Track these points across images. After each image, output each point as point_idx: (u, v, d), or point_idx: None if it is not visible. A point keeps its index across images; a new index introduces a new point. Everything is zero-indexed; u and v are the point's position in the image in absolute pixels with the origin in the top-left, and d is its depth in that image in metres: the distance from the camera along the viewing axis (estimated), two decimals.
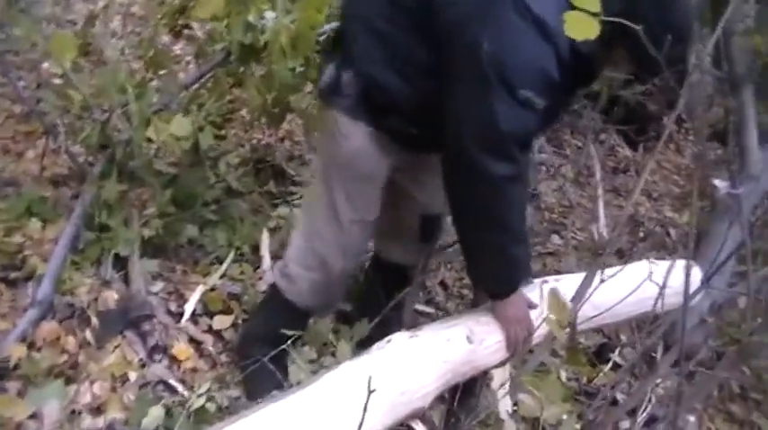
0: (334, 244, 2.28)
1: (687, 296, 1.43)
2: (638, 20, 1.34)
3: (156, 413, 2.28)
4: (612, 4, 1.75)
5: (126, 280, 2.73)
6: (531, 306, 2.08)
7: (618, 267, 2.06)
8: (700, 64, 1.16)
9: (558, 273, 3.74)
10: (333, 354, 2.27)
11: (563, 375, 3.12)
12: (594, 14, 1.14)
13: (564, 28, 1.73)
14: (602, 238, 1.75)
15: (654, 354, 2.48)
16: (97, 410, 2.25)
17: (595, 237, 1.79)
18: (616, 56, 1.84)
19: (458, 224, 2.03)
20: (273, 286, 2.46)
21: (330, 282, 2.35)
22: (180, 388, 2.42)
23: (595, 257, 1.78)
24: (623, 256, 4.06)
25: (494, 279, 2.05)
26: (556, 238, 4.43)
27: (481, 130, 1.83)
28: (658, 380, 2.14)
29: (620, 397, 2.70)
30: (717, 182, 1.54)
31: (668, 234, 5.02)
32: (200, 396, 2.35)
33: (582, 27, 1.16)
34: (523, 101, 1.79)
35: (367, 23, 2.06)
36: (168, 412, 2.30)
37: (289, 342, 2.23)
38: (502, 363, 2.07)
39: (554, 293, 1.81)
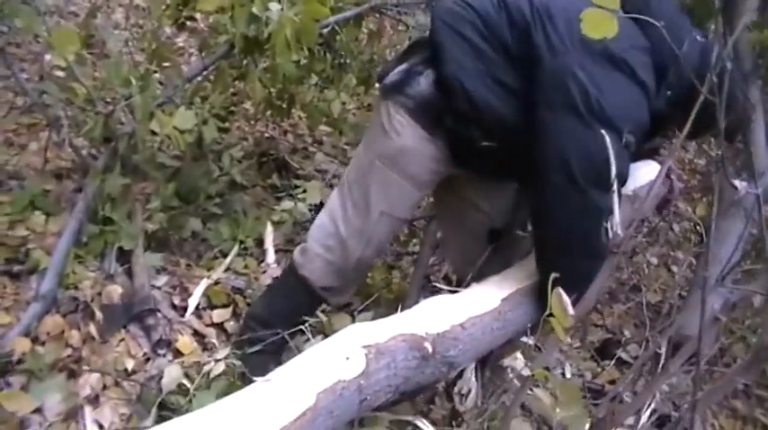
0: (358, 231, 2.29)
1: (705, 294, 1.41)
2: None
3: (175, 373, 2.30)
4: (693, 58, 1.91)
5: (130, 274, 2.71)
6: None
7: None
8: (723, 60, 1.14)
9: None
10: None
11: (568, 371, 3.12)
12: (612, 11, 1.11)
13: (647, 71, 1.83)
14: (617, 237, 1.74)
15: (659, 351, 2.46)
16: (100, 404, 2.24)
17: (610, 234, 1.78)
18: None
19: (550, 251, 2.04)
20: (290, 265, 2.46)
21: (345, 268, 2.35)
22: (184, 381, 2.41)
23: (610, 255, 1.75)
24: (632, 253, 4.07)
25: (577, 292, 1.97)
26: None
27: (595, 166, 1.87)
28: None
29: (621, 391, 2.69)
30: (737, 182, 1.53)
31: (671, 228, 5.02)
32: (218, 361, 2.35)
33: (600, 25, 1.13)
34: (626, 144, 1.87)
35: (464, 38, 2.08)
36: (186, 376, 2.32)
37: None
38: None
39: (557, 296, 1.80)
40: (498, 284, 2.10)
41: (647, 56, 1.95)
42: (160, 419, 2.05)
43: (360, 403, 1.52)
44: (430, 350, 1.70)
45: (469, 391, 1.83)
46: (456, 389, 1.81)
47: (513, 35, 2.02)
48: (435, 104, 2.12)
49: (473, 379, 1.83)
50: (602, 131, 1.84)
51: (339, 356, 1.53)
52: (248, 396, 1.39)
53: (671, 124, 2.07)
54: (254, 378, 2.15)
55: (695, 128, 1.58)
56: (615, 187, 1.86)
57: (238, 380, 2.23)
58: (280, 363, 2.23)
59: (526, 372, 1.95)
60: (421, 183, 2.27)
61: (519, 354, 2.17)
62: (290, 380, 1.45)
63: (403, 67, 2.20)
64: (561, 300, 1.78)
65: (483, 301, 1.99)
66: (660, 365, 2.37)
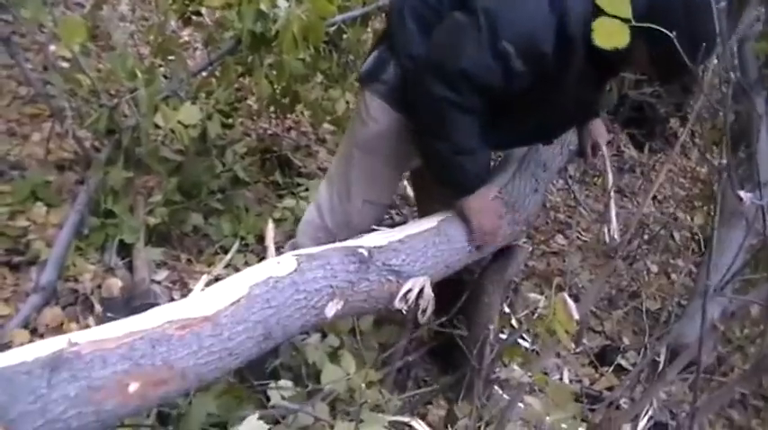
0: (344, 223, 2.33)
1: (705, 303, 1.41)
2: (666, 24, 1.34)
3: None
4: (639, 3, 1.84)
5: (130, 267, 2.71)
6: (500, 214, 2.29)
7: None
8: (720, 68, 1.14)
9: (562, 272, 3.74)
10: None
11: (565, 376, 3.11)
12: (625, 20, 1.10)
13: (583, 10, 1.77)
14: (614, 242, 1.74)
15: (657, 358, 2.46)
16: None
17: (607, 240, 1.78)
18: (636, 55, 1.82)
19: (416, 132, 2.16)
20: None
21: None
22: None
23: (607, 260, 1.75)
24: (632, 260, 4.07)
25: (447, 179, 2.17)
26: (560, 238, 4.43)
27: (443, 60, 1.93)
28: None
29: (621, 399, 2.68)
30: (741, 193, 1.54)
31: (672, 236, 5.02)
32: None
33: (611, 35, 1.12)
34: (500, 52, 1.86)
35: (412, 11, 2.13)
36: None
37: None
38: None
39: (562, 300, 1.80)
40: (440, 214, 2.21)
41: None
42: (159, 418, 2.04)
43: (304, 302, 1.58)
44: (366, 254, 1.75)
45: (428, 305, 1.85)
46: (420, 308, 1.83)
47: None
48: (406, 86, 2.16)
49: (431, 293, 1.85)
50: (472, 33, 1.88)
51: (270, 263, 1.62)
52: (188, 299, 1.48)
53: (635, 59, 2.02)
54: (252, 375, 2.17)
55: (664, 70, 1.68)
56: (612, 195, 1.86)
57: (236, 377, 2.23)
58: (277, 357, 2.27)
59: (524, 379, 1.95)
60: (398, 164, 2.33)
61: (515, 366, 2.17)
62: (225, 283, 1.53)
63: (374, 54, 2.25)
64: (566, 305, 1.78)
65: (422, 224, 2.10)
66: (658, 372, 2.37)
